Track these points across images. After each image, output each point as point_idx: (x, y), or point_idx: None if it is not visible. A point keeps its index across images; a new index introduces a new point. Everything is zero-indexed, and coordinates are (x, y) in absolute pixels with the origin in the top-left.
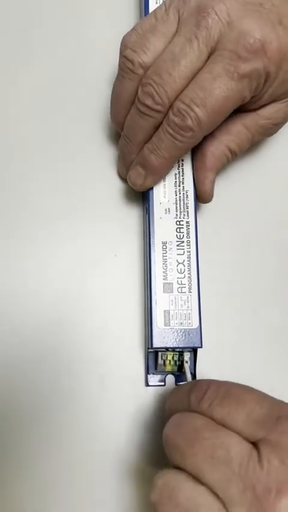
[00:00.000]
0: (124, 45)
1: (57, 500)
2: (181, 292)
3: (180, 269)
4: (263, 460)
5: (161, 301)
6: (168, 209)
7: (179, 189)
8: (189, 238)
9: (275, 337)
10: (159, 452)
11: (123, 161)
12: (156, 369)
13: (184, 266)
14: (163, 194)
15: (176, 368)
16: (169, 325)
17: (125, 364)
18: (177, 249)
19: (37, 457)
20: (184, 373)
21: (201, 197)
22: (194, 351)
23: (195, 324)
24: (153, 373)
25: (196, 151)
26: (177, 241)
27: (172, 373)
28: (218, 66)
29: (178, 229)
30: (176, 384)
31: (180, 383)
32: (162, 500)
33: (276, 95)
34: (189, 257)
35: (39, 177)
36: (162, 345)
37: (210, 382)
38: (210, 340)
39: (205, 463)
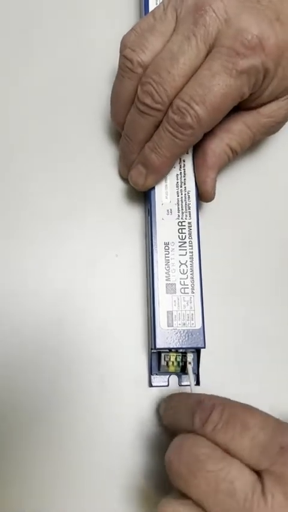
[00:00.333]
0: (123, 45)
1: (57, 500)
2: (184, 293)
3: (183, 270)
4: (267, 493)
5: (163, 302)
6: (170, 210)
7: (181, 190)
8: (191, 238)
9: (278, 337)
10: (161, 452)
11: (125, 161)
12: (159, 369)
13: (187, 267)
14: (165, 195)
15: (179, 369)
16: (172, 326)
17: (127, 365)
18: (180, 249)
19: (37, 457)
20: (187, 374)
21: (203, 196)
22: (197, 351)
23: (198, 325)
24: (157, 374)
25: (197, 150)
26: (179, 241)
27: (175, 373)
28: (216, 63)
29: (180, 230)
30: (179, 385)
31: (183, 384)
32: None
33: (277, 93)
34: (191, 258)
35: (39, 177)
36: (166, 346)
37: (214, 403)
38: (213, 341)
39: (209, 496)
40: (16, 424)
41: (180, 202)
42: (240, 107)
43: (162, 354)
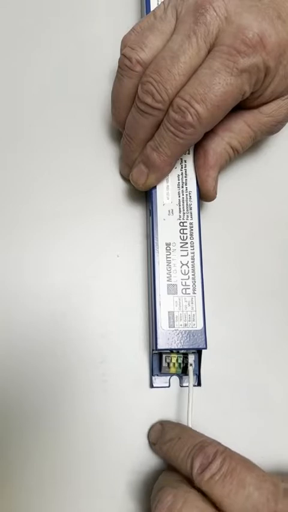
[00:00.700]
0: (123, 44)
1: (57, 500)
2: (185, 294)
3: (184, 270)
4: None
5: (165, 303)
6: (172, 210)
7: (182, 190)
8: (192, 239)
9: (279, 338)
10: None
11: (126, 160)
12: (160, 370)
13: (188, 267)
14: (166, 195)
15: (180, 370)
16: (173, 327)
17: (128, 366)
18: (181, 250)
19: (37, 457)
20: (188, 375)
21: (204, 195)
22: (198, 352)
23: (200, 325)
24: (158, 375)
25: (198, 150)
26: (180, 242)
27: (176, 374)
28: (217, 62)
29: (182, 231)
30: (180, 386)
31: (184, 385)
32: None
33: (279, 91)
34: (193, 258)
35: (39, 177)
36: (167, 347)
37: (216, 452)
38: (215, 342)
39: None
40: (15, 425)
41: (181, 203)
42: (242, 106)
43: (164, 355)
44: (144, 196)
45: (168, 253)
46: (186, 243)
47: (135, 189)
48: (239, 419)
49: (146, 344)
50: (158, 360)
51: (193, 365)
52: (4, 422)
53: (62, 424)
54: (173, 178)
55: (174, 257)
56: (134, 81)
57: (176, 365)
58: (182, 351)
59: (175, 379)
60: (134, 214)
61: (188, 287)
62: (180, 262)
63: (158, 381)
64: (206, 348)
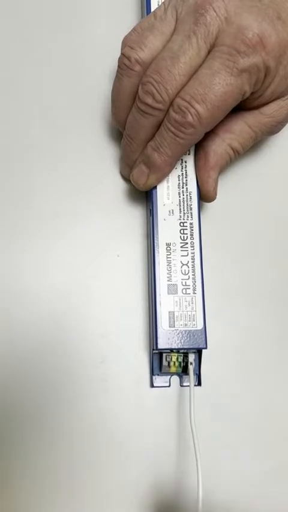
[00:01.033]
0: (124, 44)
1: (57, 500)
2: (185, 294)
3: (185, 270)
4: None
5: (165, 303)
6: (172, 210)
7: (183, 191)
8: (193, 239)
9: (279, 337)
10: (164, 453)
11: (126, 160)
12: (160, 370)
13: (188, 267)
14: (167, 196)
15: (180, 369)
16: (174, 327)
17: (128, 365)
18: (181, 250)
19: (37, 457)
20: (189, 374)
21: (205, 196)
22: (198, 352)
23: (200, 325)
24: (158, 374)
25: (199, 151)
26: (181, 242)
27: (177, 374)
28: (217, 62)
29: (182, 231)
30: (180, 385)
31: (185, 384)
32: None
33: (279, 92)
34: (193, 258)
35: (40, 177)
36: (167, 346)
37: None
38: (215, 341)
39: None
40: (15, 425)
41: (181, 203)
42: (242, 107)
43: (164, 355)
44: (144, 197)
45: (169, 253)
46: (187, 243)
47: (135, 189)
48: (239, 418)
49: (146, 344)
50: (159, 360)
51: (193, 364)
52: (5, 422)
53: (62, 423)
54: (173, 178)
55: (174, 257)
56: (134, 80)
57: (177, 364)
58: (182, 351)
59: (175, 379)
60: (134, 214)
61: (188, 287)
62: (181, 262)
63: (159, 380)
64: (206, 348)
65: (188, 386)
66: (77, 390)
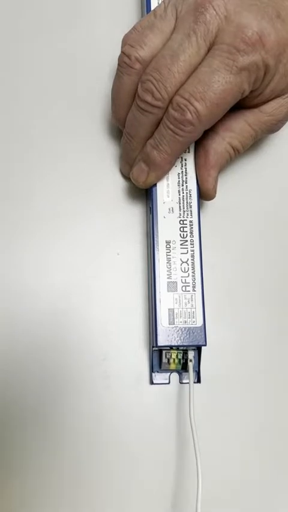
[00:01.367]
0: (124, 42)
1: (57, 499)
2: (185, 291)
3: (184, 268)
4: None
5: (165, 300)
6: (172, 208)
7: (182, 189)
8: (192, 237)
9: (279, 335)
10: (163, 450)
11: (126, 158)
12: (160, 367)
13: (188, 265)
14: (166, 193)
15: (180, 366)
16: (173, 324)
17: (128, 363)
18: (181, 248)
19: (37, 456)
20: (188, 371)
21: (204, 194)
22: (198, 349)
23: (200, 322)
24: (158, 372)
25: (199, 149)
26: (180, 240)
27: (176, 371)
28: (216, 60)
29: (182, 229)
30: (180, 383)
31: (184, 381)
32: None
33: (279, 90)
34: (192, 256)
35: (39, 176)
36: (167, 343)
37: None
38: (215, 339)
39: None
40: (16, 423)
41: (181, 201)
42: (242, 105)
43: (164, 352)
44: (144, 194)
45: (168, 251)
46: (186, 240)
47: (135, 187)
48: (239, 416)
49: (146, 342)
50: (158, 357)
51: (193, 361)
52: (6, 422)
53: (62, 420)
54: (173, 176)
55: (174, 255)
56: (133, 78)
57: (176, 361)
58: (182, 348)
59: (175, 376)
60: (134, 212)
61: (187, 284)
62: (180, 259)
63: (158, 377)
64: (205, 345)
65: (188, 383)
66: (76, 387)
